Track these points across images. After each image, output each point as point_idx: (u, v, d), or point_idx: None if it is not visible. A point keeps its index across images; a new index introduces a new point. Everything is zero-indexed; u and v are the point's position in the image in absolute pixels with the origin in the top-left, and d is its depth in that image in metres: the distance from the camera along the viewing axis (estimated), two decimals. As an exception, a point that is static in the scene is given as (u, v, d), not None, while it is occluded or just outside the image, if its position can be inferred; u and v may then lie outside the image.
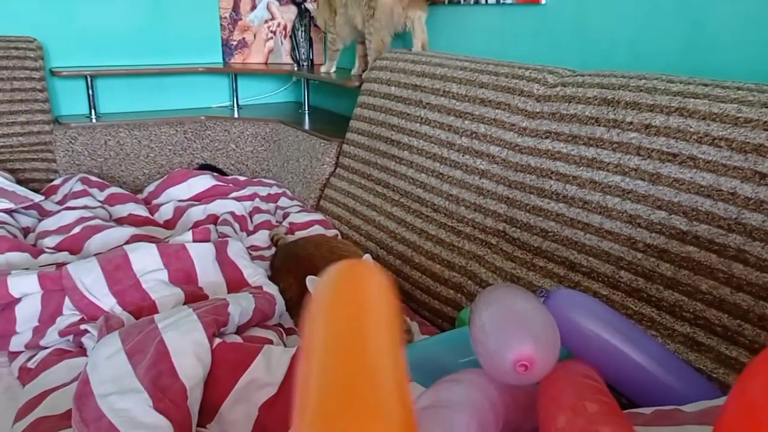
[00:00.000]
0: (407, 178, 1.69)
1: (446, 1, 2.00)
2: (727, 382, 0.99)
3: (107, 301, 1.24)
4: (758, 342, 0.97)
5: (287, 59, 2.68)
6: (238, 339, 1.12)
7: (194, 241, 1.44)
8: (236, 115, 2.51)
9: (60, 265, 1.37)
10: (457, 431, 0.66)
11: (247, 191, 2.11)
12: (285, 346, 1.19)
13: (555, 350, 0.74)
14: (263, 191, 2.14)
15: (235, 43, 2.61)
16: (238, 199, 2.02)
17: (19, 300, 1.23)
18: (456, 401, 0.71)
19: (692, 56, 1.36)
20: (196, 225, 1.78)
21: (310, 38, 2.61)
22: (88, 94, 2.30)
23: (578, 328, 0.89)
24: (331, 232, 1.84)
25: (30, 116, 2.08)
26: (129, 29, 2.41)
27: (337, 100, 2.66)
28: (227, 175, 2.30)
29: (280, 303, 1.31)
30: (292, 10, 2.62)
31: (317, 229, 1.84)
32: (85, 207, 1.79)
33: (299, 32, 2.59)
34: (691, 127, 1.09)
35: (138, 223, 1.81)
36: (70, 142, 2.18)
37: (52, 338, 1.20)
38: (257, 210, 1.98)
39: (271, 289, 1.34)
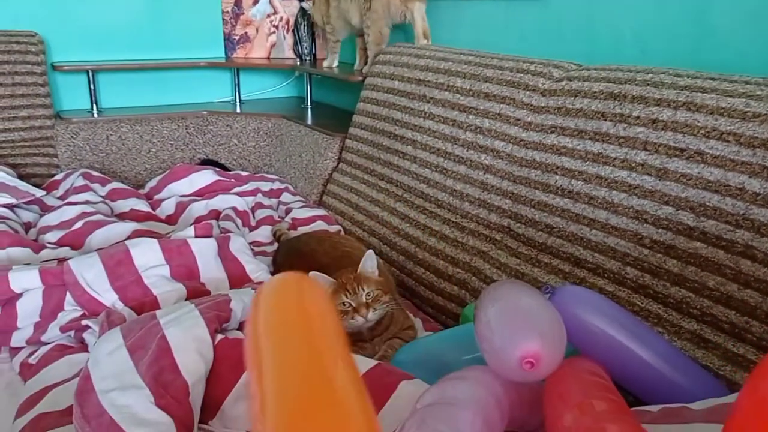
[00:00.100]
0: (411, 173, 1.68)
1: (450, -5, 1.98)
2: (734, 379, 0.98)
3: (109, 297, 1.23)
4: (766, 339, 0.96)
5: (290, 54, 2.67)
6: (240, 335, 1.11)
7: (196, 236, 1.43)
8: (238, 110, 2.50)
9: (61, 261, 1.36)
10: (461, 428, 0.65)
11: (250, 186, 2.10)
12: (288, 342, 1.18)
13: (561, 347, 0.73)
14: (265, 187, 2.13)
15: (237, 37, 2.60)
16: (240, 194, 2.01)
17: (20, 295, 1.23)
18: (461, 398, 0.70)
19: (700, 50, 1.34)
20: (198, 220, 1.77)
21: (313, 33, 2.60)
22: (90, 89, 2.29)
23: (584, 325, 0.88)
24: (334, 228, 1.83)
25: (31, 111, 2.07)
26: (131, 24, 2.40)
27: (339, 94, 2.65)
28: (229, 171, 2.30)
29: (283, 299, 1.31)
30: (294, 5, 2.61)
31: (320, 225, 1.83)
32: (86, 202, 1.78)
33: (302, 27, 2.58)
34: (698, 122, 1.07)
35: (139, 218, 1.80)
36: (72, 137, 2.17)
37: (53, 334, 1.19)
38: (259, 205, 1.97)
39: (274, 284, 1.33)
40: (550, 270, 1.27)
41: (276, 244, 1.72)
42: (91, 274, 1.25)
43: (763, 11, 1.23)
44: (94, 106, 2.30)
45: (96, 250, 1.36)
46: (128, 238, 1.50)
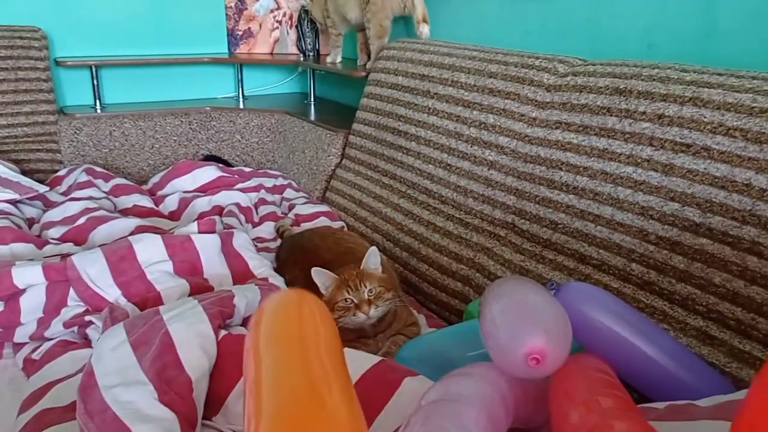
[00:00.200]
0: (414, 169, 1.68)
1: (454, -9, 1.98)
2: (740, 376, 0.97)
3: (112, 293, 1.23)
4: (773, 336, 0.96)
5: (293, 49, 2.66)
6: (244, 331, 1.11)
7: (199, 232, 1.42)
8: (242, 106, 2.50)
9: (65, 256, 1.36)
10: (466, 425, 0.64)
11: (253, 183, 2.10)
12: (291, 338, 1.17)
13: (567, 343, 0.73)
14: (269, 183, 2.13)
15: (240, 33, 2.60)
16: (243, 190, 2.01)
17: (23, 291, 1.23)
18: (465, 395, 0.69)
19: (706, 45, 1.33)
20: (201, 216, 1.77)
21: (316, 28, 2.59)
22: (93, 85, 2.29)
23: (590, 321, 0.87)
24: (337, 224, 1.83)
25: (35, 106, 2.07)
26: (134, 19, 2.39)
27: (343, 90, 2.64)
28: (232, 167, 2.29)
29: (286, 295, 1.30)
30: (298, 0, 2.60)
31: (323, 221, 1.83)
32: (89, 198, 1.78)
33: (305, 22, 2.57)
34: (705, 117, 1.07)
35: (143, 214, 1.80)
36: (75, 132, 2.17)
37: (56, 329, 1.19)
38: (263, 201, 1.97)
39: (277, 280, 1.33)
40: (554, 266, 1.26)
41: (279, 241, 1.72)
42: (94, 269, 1.24)
43: (770, 6, 1.23)
44: (98, 101, 2.30)
45: (99, 245, 1.35)
46: (131, 233, 1.50)
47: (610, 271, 1.17)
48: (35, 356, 1.15)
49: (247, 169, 2.25)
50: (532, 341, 0.70)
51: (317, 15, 2.36)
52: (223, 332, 1.02)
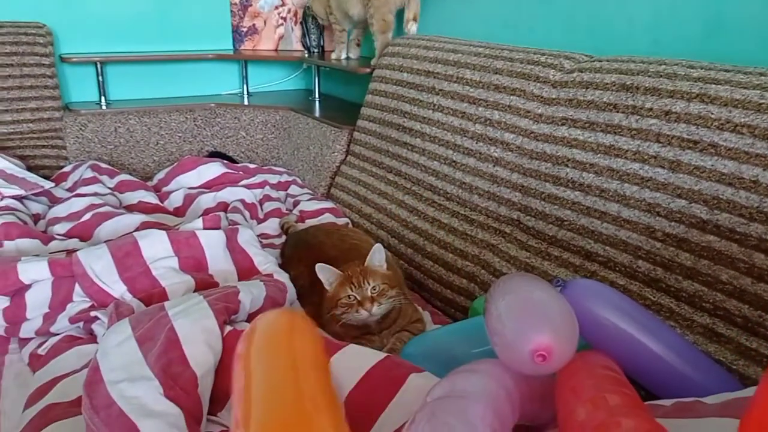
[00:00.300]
0: (419, 165, 1.67)
1: (459, -13, 1.97)
2: (747, 373, 0.97)
3: (117, 288, 1.23)
4: (780, 333, 0.95)
5: (298, 46, 2.66)
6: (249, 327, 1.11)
7: (204, 228, 1.42)
8: (246, 103, 2.50)
9: (70, 252, 1.36)
10: (472, 421, 0.64)
11: (257, 179, 2.10)
12: (296, 334, 1.17)
13: (573, 340, 0.72)
14: (273, 179, 2.13)
15: (245, 29, 2.59)
16: (248, 186, 2.01)
17: (29, 286, 1.23)
18: (471, 391, 0.69)
19: (713, 41, 1.32)
20: (206, 212, 1.77)
21: (321, 25, 2.58)
22: (98, 81, 2.29)
23: (596, 318, 0.87)
24: (342, 221, 1.83)
25: (40, 103, 2.07)
26: (139, 15, 2.39)
27: (348, 87, 2.64)
28: (237, 163, 2.29)
29: (291, 291, 1.30)
30: (302, -3, 2.60)
31: (328, 218, 1.83)
32: (95, 194, 1.78)
33: (310, 19, 2.57)
34: (712, 114, 1.06)
35: (148, 210, 1.80)
36: (80, 129, 2.17)
37: (62, 325, 1.19)
38: (267, 198, 1.97)
39: (282, 277, 1.33)
40: (560, 263, 1.26)
41: (284, 237, 1.72)
42: (99, 265, 1.24)
43: (778, 2, 1.22)
44: (103, 98, 2.30)
45: (104, 241, 1.36)
46: (136, 229, 1.50)
47: (617, 268, 1.17)
48: (41, 351, 1.15)
49: (252, 166, 2.25)
50: (539, 338, 0.69)
51: (319, 11, 2.36)
52: (228, 328, 1.02)
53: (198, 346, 0.95)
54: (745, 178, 1.00)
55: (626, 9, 1.48)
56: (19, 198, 1.70)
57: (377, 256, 1.23)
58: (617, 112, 1.20)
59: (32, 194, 1.76)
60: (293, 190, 2.07)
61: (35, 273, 1.23)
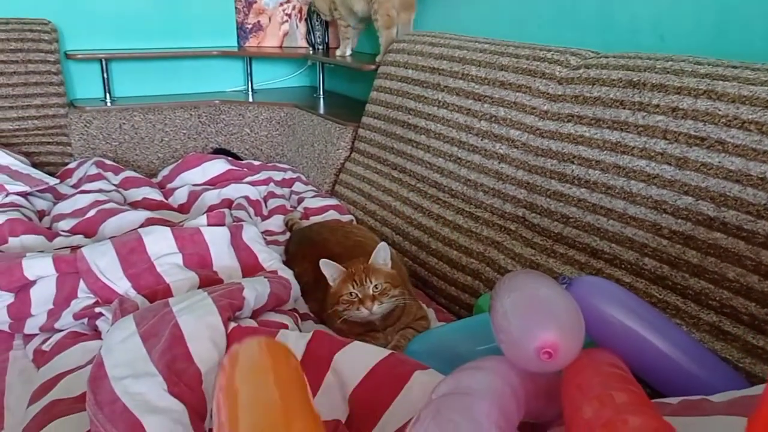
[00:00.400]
0: (424, 162, 1.67)
1: (465, -17, 1.96)
2: (754, 372, 0.96)
3: (122, 285, 1.23)
4: (787, 332, 0.94)
5: (302, 43, 2.65)
6: (253, 323, 1.10)
7: (209, 225, 1.42)
8: (251, 99, 2.49)
9: (75, 248, 1.36)
10: (477, 418, 0.64)
11: (262, 176, 2.09)
12: (300, 331, 1.17)
13: (580, 337, 0.72)
14: (278, 176, 2.13)
15: (250, 26, 2.59)
16: (252, 183, 2.01)
17: (34, 283, 1.23)
18: (476, 388, 0.69)
19: (721, 37, 1.31)
20: (210, 209, 1.77)
21: (326, 22, 2.58)
22: (103, 78, 2.29)
23: (602, 316, 0.86)
24: (346, 218, 1.83)
25: (45, 99, 2.07)
26: (144, 12, 2.39)
27: (352, 84, 2.64)
28: (241, 160, 2.29)
29: (296, 288, 1.30)
30: (307, -7, 2.59)
31: (332, 215, 1.83)
32: (99, 191, 1.78)
33: (315, 15, 2.56)
34: (719, 110, 1.05)
35: (152, 207, 1.80)
36: (85, 125, 2.17)
37: (66, 321, 1.20)
38: (272, 195, 1.97)
39: (286, 273, 1.33)
40: (565, 261, 1.25)
41: (288, 234, 1.72)
42: (104, 261, 1.24)
43: (786, -3, 1.21)
44: (107, 94, 2.30)
45: (109, 238, 1.36)
46: (141, 226, 1.50)
47: (623, 266, 1.16)
48: (45, 347, 1.15)
49: (256, 163, 2.25)
50: (545, 335, 0.69)
51: (322, 7, 2.35)
52: (232, 324, 1.02)
53: (202, 342, 0.95)
54: (753, 175, 0.99)
55: (633, 5, 1.47)
56: (24, 194, 1.70)
57: (381, 255, 1.23)
58: (624, 108, 1.19)
59: (37, 191, 1.76)
60: (298, 187, 2.07)
61: (40, 269, 1.23)
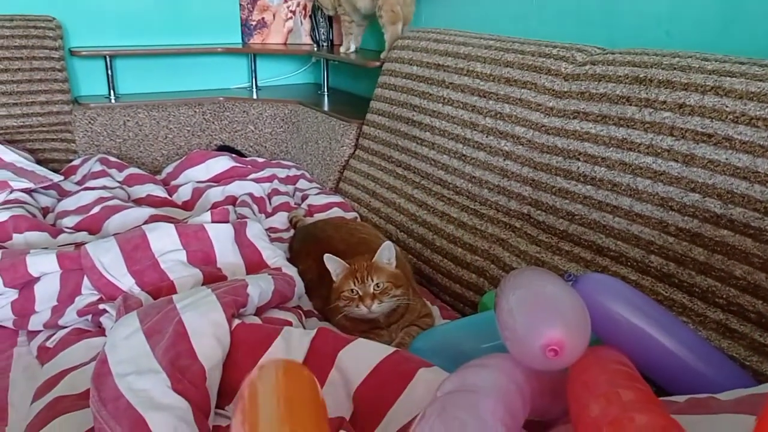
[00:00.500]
0: (429, 159, 1.66)
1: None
2: (761, 370, 0.96)
3: (126, 281, 1.23)
4: (795, 330, 0.94)
5: (307, 40, 2.65)
6: (257, 320, 1.10)
7: (213, 221, 1.42)
8: (255, 96, 2.49)
9: (79, 245, 1.36)
10: (483, 416, 0.63)
11: (266, 173, 2.09)
12: (304, 328, 1.17)
13: (586, 335, 0.71)
14: (282, 173, 2.12)
15: (254, 23, 2.59)
16: (256, 180, 2.01)
17: (38, 279, 1.23)
18: (481, 386, 0.68)
19: (728, 33, 1.31)
20: (214, 206, 1.77)
21: (330, 18, 2.57)
22: (107, 75, 2.29)
23: (608, 313, 0.86)
24: (351, 215, 1.82)
25: (49, 96, 2.07)
26: (148, 9, 2.39)
27: (357, 81, 2.63)
28: (246, 157, 2.29)
29: (300, 285, 1.30)
30: (311, -10, 2.59)
31: (336, 212, 1.82)
32: (104, 187, 1.78)
33: (319, 12, 2.55)
34: (726, 107, 1.04)
35: (156, 203, 1.80)
36: (90, 122, 2.17)
37: (70, 318, 1.20)
38: (276, 192, 1.96)
39: (291, 270, 1.32)
40: (571, 258, 1.25)
41: (292, 231, 1.71)
42: (107, 258, 1.24)
43: (795, -7, 1.20)
44: (112, 91, 2.30)
45: (113, 234, 1.35)
46: (145, 223, 1.50)
47: (628, 263, 1.16)
48: (49, 344, 1.15)
49: (261, 160, 2.24)
50: (550, 332, 0.68)
51: (326, 3, 2.34)
52: (236, 321, 1.02)
53: (206, 339, 0.95)
54: (760, 171, 0.98)
55: (638, 0, 1.46)
56: (28, 191, 1.70)
57: (386, 254, 1.22)
58: (630, 105, 1.18)
59: (41, 187, 1.76)
60: (302, 184, 2.07)
61: (44, 266, 1.23)
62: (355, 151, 2.03)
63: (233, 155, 2.18)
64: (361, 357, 0.93)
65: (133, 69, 2.42)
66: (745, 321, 1.00)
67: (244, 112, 2.41)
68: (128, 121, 2.24)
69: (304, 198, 1.94)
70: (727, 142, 1.03)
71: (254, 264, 1.35)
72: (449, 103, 1.61)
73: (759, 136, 0.99)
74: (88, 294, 1.23)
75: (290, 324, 1.14)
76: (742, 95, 1.03)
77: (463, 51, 1.63)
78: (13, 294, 1.21)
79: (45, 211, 1.71)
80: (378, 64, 2.02)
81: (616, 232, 1.18)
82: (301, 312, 1.26)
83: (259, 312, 1.16)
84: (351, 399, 0.90)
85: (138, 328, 0.97)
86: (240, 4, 2.55)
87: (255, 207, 1.80)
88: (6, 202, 1.58)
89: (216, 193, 1.87)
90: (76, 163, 2.04)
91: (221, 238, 1.34)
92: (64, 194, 1.80)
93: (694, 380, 0.87)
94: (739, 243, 1.00)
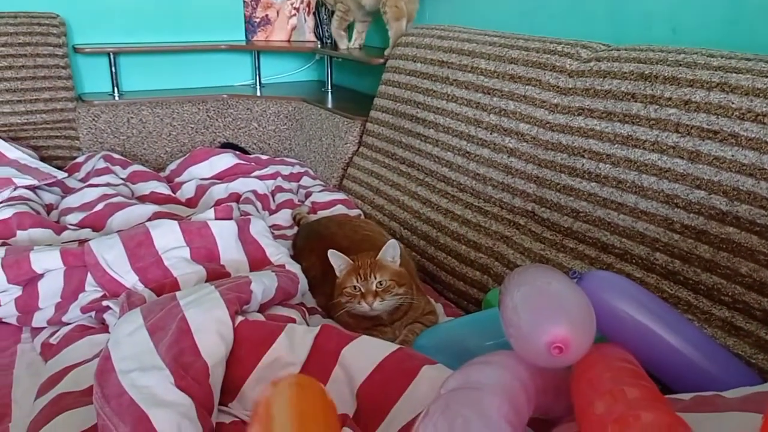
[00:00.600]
0: (433, 156, 1.66)
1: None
2: (767, 368, 0.95)
3: (129, 278, 1.23)
4: (801, 328, 0.93)
5: (311, 37, 2.64)
6: (260, 317, 1.10)
7: (216, 218, 1.42)
8: (259, 94, 2.49)
9: (82, 242, 1.36)
10: (488, 413, 0.63)
11: (270, 170, 2.09)
12: (308, 325, 1.17)
13: (591, 332, 0.71)
14: (285, 170, 2.12)
15: (258, 20, 2.58)
16: (260, 177, 2.01)
17: (41, 276, 1.23)
18: (486, 383, 0.68)
19: (734, 29, 1.30)
20: (218, 203, 1.77)
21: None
22: (111, 72, 2.29)
23: (613, 311, 0.85)
24: (354, 212, 1.82)
25: (53, 93, 2.07)
26: (152, 6, 2.39)
27: (360, 78, 2.63)
28: (249, 154, 2.29)
29: (303, 282, 1.30)
30: (315, -13, 2.58)
31: (340, 209, 1.82)
32: (107, 184, 1.78)
33: (323, 9, 2.55)
34: (732, 103, 1.04)
35: (160, 200, 1.80)
36: (93, 119, 2.17)
37: (74, 314, 1.19)
38: (279, 189, 1.96)
39: (294, 267, 1.32)
40: (575, 255, 1.24)
41: (296, 228, 1.71)
42: (111, 255, 1.24)
43: (801, -11, 1.19)
44: (115, 88, 2.30)
45: (117, 231, 1.35)
46: (149, 220, 1.50)
47: (633, 261, 1.15)
48: (53, 341, 1.15)
49: (264, 157, 2.24)
50: (555, 330, 0.68)
51: None
52: (240, 318, 1.02)
53: (209, 336, 0.95)
54: (766, 168, 0.98)
55: (644, -3, 1.46)
56: (32, 188, 1.70)
57: (390, 252, 1.22)
58: (635, 101, 1.17)
59: (45, 184, 1.76)
60: (305, 181, 2.07)
61: (48, 262, 1.23)
62: (358, 148, 2.03)
63: (237, 152, 2.18)
64: (365, 354, 0.93)
65: (136, 66, 2.42)
66: (751, 318, 0.99)
67: (247, 109, 2.41)
68: (132, 118, 2.24)
69: (307, 195, 1.94)
70: (733, 138, 1.02)
71: (258, 261, 1.35)
72: (453, 100, 1.60)
73: (765, 133, 0.99)
74: (91, 291, 1.23)
75: (294, 321, 1.13)
76: (749, 92, 1.03)
77: (467, 48, 1.62)
78: (16, 291, 1.21)
79: (49, 208, 1.71)
80: (382, 61, 2.02)
81: (621, 230, 1.17)
82: (304, 309, 1.25)
83: (262, 309, 1.16)
84: (354, 396, 0.90)
85: (141, 325, 0.96)
86: (244, 2, 2.55)
87: (258, 204, 1.80)
88: (10, 199, 1.58)
89: (220, 191, 1.87)
90: (79, 160, 2.04)
91: (225, 235, 1.34)
92: (67, 191, 1.80)
93: (699, 378, 0.87)
94: (744, 240, 0.99)
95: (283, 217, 1.79)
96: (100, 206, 1.61)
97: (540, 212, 1.34)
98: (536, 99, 1.39)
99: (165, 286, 1.22)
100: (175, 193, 1.90)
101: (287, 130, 2.39)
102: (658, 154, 1.12)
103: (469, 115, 1.54)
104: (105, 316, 1.18)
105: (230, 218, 1.43)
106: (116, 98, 2.26)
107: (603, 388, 0.64)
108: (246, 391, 0.95)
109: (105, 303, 1.18)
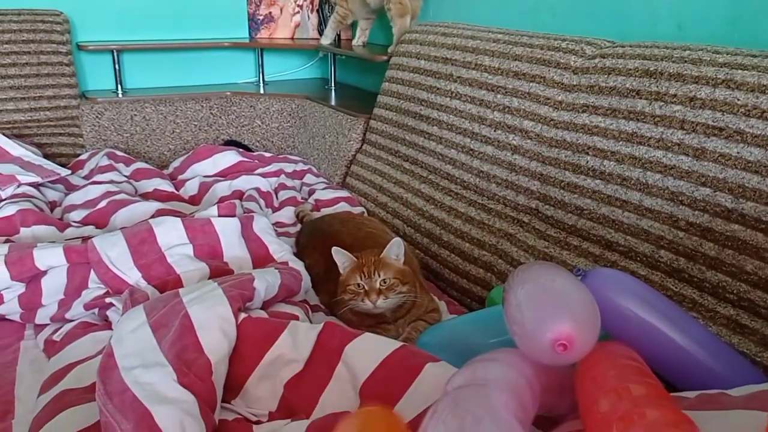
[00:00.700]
0: (436, 154, 1.66)
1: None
2: (773, 366, 0.95)
3: (132, 275, 1.23)
4: (807, 326, 0.93)
5: (314, 34, 2.64)
6: (263, 314, 1.10)
7: (219, 215, 1.42)
8: (262, 91, 2.49)
9: (86, 239, 1.36)
10: (496, 409, 0.62)
11: (273, 167, 2.09)
12: (311, 322, 1.17)
13: (595, 330, 0.70)
14: (289, 168, 2.12)
15: (261, 17, 2.58)
16: (263, 175, 2.01)
17: (45, 273, 1.23)
18: (492, 379, 0.67)
19: (739, 26, 1.29)
20: (221, 200, 1.77)
21: (337, 13, 2.56)
22: (115, 69, 2.29)
23: (617, 308, 0.85)
24: (357, 210, 1.82)
25: (57, 91, 2.07)
26: (155, 3, 2.39)
27: (364, 75, 2.62)
28: (252, 152, 2.29)
29: (306, 279, 1.29)
30: (319, -15, 2.58)
31: (343, 207, 1.82)
32: (111, 182, 1.78)
33: (326, 7, 2.55)
34: (738, 100, 1.03)
35: (163, 198, 1.80)
36: (97, 117, 2.18)
37: (77, 311, 1.19)
38: (283, 186, 1.96)
39: (297, 265, 1.32)
40: (579, 253, 1.24)
41: (299, 226, 1.71)
42: (114, 252, 1.24)
43: (808, -15, 1.18)
44: (119, 86, 2.30)
45: (120, 228, 1.35)
46: (152, 217, 1.50)
47: (638, 258, 1.15)
48: (56, 337, 1.15)
49: (268, 154, 2.24)
50: (559, 327, 0.68)
51: None
52: (243, 315, 1.01)
53: (212, 333, 0.95)
54: (773, 165, 0.97)
55: (649, -6, 1.45)
56: (35, 185, 1.70)
57: (394, 250, 1.22)
58: (640, 98, 1.17)
59: (49, 181, 1.76)
60: (309, 178, 2.06)
61: (51, 259, 1.23)
62: (362, 145, 2.02)
63: (240, 150, 2.18)
64: (368, 351, 0.93)
65: (140, 63, 2.42)
66: (756, 316, 0.99)
67: (251, 106, 2.41)
68: (135, 115, 2.24)
69: (311, 193, 1.94)
70: (738, 135, 1.02)
71: (261, 258, 1.34)
72: (457, 97, 1.60)
73: (771, 130, 0.98)
74: (94, 288, 1.23)
75: (297, 318, 1.13)
76: (754, 88, 1.02)
77: (471, 45, 1.62)
78: (20, 287, 1.21)
79: (52, 205, 1.71)
80: (385, 58, 2.01)
81: (626, 227, 1.17)
82: (307, 306, 1.25)
83: (265, 306, 1.16)
84: (358, 393, 0.90)
85: (144, 322, 0.96)
86: (247, -1, 2.55)
87: (262, 201, 1.80)
88: (13, 196, 1.59)
89: (223, 188, 1.87)
90: (83, 157, 2.04)
91: (228, 232, 1.34)
92: (71, 188, 1.80)
93: (704, 376, 0.86)
94: (750, 238, 0.99)
95: (286, 214, 1.79)
96: (103, 203, 1.61)
97: (544, 209, 1.34)
98: (540, 96, 1.38)
99: (168, 283, 1.22)
100: (178, 191, 1.90)
101: (290, 127, 2.39)
102: (663, 151, 1.11)
103: (473, 113, 1.54)
104: (108, 313, 1.18)
105: (233, 215, 1.42)
106: (120, 95, 2.27)
107: (608, 385, 0.63)
108: (249, 388, 0.95)
109: (108, 300, 1.18)
